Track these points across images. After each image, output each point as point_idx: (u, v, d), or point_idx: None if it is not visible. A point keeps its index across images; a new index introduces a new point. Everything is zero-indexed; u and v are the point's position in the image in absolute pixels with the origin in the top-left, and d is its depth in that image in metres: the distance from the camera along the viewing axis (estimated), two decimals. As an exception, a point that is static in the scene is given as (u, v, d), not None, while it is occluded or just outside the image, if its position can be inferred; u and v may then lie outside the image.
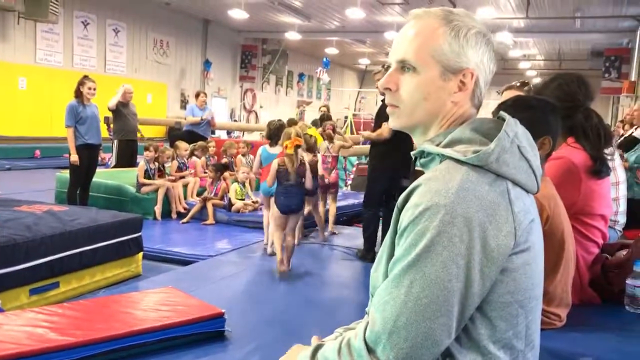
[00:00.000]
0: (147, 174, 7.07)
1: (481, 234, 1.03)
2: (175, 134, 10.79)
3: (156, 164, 7.21)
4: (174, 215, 7.07)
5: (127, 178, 7.33)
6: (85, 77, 6.70)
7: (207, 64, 18.71)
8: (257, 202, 6.93)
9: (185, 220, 6.88)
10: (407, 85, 1.18)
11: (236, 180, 7.21)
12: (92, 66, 14.74)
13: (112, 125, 8.90)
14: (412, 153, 1.25)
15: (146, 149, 7.15)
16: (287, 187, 4.98)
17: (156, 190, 6.99)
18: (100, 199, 6.99)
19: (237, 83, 21.03)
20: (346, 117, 20.64)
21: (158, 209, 6.94)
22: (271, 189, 5.33)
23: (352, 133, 17.46)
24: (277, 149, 5.49)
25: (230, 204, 6.99)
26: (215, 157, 8.51)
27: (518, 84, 3.34)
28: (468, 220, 1.03)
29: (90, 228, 4.27)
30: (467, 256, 1.02)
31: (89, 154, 6.56)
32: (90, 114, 6.56)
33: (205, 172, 7.62)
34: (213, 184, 7.27)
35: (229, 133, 17.27)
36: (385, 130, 5.10)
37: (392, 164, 5.00)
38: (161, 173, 7.29)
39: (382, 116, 5.04)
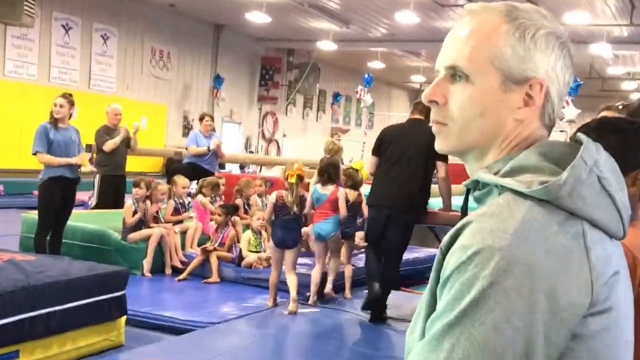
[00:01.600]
0: (138, 223, 7.20)
1: (547, 287, 1.02)
2: (174, 167, 10.98)
3: (147, 203, 7.35)
4: (168, 271, 7.15)
5: (110, 222, 7.45)
6: (64, 94, 6.89)
7: (217, 80, 19.16)
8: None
9: (182, 276, 6.95)
10: (458, 98, 1.19)
11: (249, 227, 7.29)
12: (73, 81, 15.23)
13: (94, 156, 9.13)
14: (463, 184, 1.25)
15: (135, 185, 7.30)
16: (285, 221, 6.07)
17: (147, 239, 7.10)
18: (76, 248, 7.10)
19: (255, 105, 21.45)
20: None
21: (148, 262, 7.03)
22: (327, 230, 6.17)
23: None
24: (329, 188, 6.26)
25: (241, 258, 7.06)
26: (223, 197, 8.65)
27: (620, 107, 3.33)
28: (530, 268, 1.02)
29: (61, 283, 4.34)
30: (527, 316, 1.01)
31: (63, 190, 6.68)
32: (64, 139, 6.70)
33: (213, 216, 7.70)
34: (219, 230, 7.37)
35: (242, 167, 17.52)
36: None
37: (381, 194, 5.78)
38: (156, 219, 7.42)
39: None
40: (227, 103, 19.97)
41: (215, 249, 7.16)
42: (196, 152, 9.81)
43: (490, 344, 1.01)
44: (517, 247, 1.03)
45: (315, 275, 6.32)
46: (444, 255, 1.11)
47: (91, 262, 5.09)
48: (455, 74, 1.20)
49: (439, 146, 1.25)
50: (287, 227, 6.05)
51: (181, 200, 7.89)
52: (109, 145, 8.81)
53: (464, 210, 1.29)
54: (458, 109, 1.20)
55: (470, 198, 1.26)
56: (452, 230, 1.12)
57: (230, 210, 7.59)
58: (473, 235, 1.06)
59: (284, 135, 22.80)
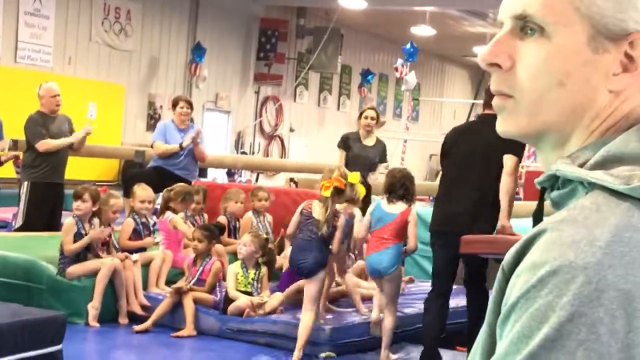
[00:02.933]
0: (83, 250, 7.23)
1: None
2: (133, 173, 11.03)
3: (95, 223, 7.39)
4: (122, 320, 7.18)
5: (42, 249, 7.44)
6: None
7: (197, 51, 19.29)
8: (280, 305, 7.06)
9: (143, 327, 6.97)
10: (529, 60, 1.21)
11: (239, 258, 7.31)
12: (-10, 51, 15.39)
13: (21, 156, 9.22)
14: (536, 182, 1.25)
15: (77, 196, 7.34)
16: (307, 240, 6.33)
17: (94, 274, 7.13)
18: (-5, 285, 7.17)
19: (251, 86, 21.55)
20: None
21: (94, 306, 7.06)
22: (386, 263, 6.40)
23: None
24: (399, 207, 6.45)
25: (227, 300, 7.08)
26: (205, 216, 8.70)
27: None
28: (628, 296, 1.04)
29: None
30: None
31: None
32: None
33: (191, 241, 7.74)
34: (198, 262, 7.42)
35: (230, 174, 17.51)
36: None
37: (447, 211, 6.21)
38: (107, 245, 7.47)
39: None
40: (211, 84, 20.06)
41: (191, 289, 7.17)
42: (164, 151, 9.88)
43: None
44: (610, 266, 1.05)
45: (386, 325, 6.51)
46: (506, 277, 1.13)
47: (14, 305, 5.13)
48: (525, 26, 1.21)
49: (502, 127, 1.27)
50: (307, 247, 6.32)
51: (143, 220, 7.93)
52: (46, 145, 8.90)
53: (537, 219, 1.31)
54: (529, 76, 1.21)
55: (547, 202, 1.27)
56: (518, 243, 1.13)
57: (214, 233, 7.63)
58: (547, 248, 1.08)
59: (292, 130, 22.87)
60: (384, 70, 26.02)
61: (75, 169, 11.48)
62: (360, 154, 9.52)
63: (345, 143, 9.72)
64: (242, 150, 20.85)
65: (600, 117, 1.20)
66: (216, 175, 17.27)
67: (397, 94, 27.10)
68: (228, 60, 20.64)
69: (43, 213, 8.87)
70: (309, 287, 6.31)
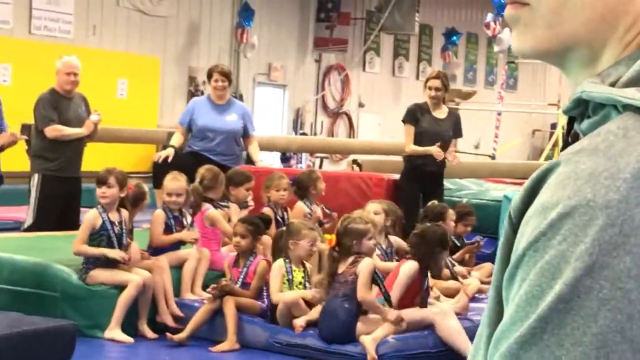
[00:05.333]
0: (104, 237, 7.32)
1: None
2: (165, 162, 11.04)
3: (123, 213, 7.48)
4: (149, 334, 7.24)
5: (56, 251, 7.53)
6: None
7: (244, 13, 19.42)
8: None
9: (178, 338, 7.03)
10: None
11: (285, 255, 7.38)
12: (2, 21, 15.63)
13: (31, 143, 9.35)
14: (562, 110, 1.23)
15: (101, 181, 7.40)
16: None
17: (121, 285, 7.22)
18: (2, 293, 7.25)
19: (310, 54, 21.66)
20: (554, 127, 20.60)
21: (117, 318, 7.12)
22: None
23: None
24: None
25: (274, 306, 7.14)
26: (250, 204, 8.82)
27: None
28: None
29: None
30: None
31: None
32: None
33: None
34: (241, 262, 7.49)
35: (285, 158, 17.68)
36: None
37: None
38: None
39: None
40: (262, 53, 20.17)
41: (232, 291, 7.21)
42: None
43: None
44: (638, 203, 1.03)
45: None
46: (514, 227, 1.11)
47: (14, 314, 5.19)
48: None
49: (518, 44, 1.25)
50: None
51: (176, 213, 7.98)
52: (55, 132, 9.01)
53: None
54: None
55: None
56: (527, 182, 1.12)
57: (259, 227, 7.67)
58: (560, 186, 1.06)
59: (361, 105, 22.95)
60: (472, 29, 25.94)
61: (103, 159, 11.57)
62: (430, 129, 9.48)
63: (413, 116, 9.68)
64: (301, 131, 20.97)
65: (637, 26, 1.18)
66: (269, 161, 17.31)
67: (489, 58, 26.97)
68: (282, 23, 20.77)
69: (55, 209, 9.00)
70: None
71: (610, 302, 1.00)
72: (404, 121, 9.85)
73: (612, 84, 1.14)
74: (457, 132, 9.84)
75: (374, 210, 8.25)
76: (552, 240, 1.03)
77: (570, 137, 1.26)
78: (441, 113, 9.73)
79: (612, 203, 1.02)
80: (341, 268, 6.95)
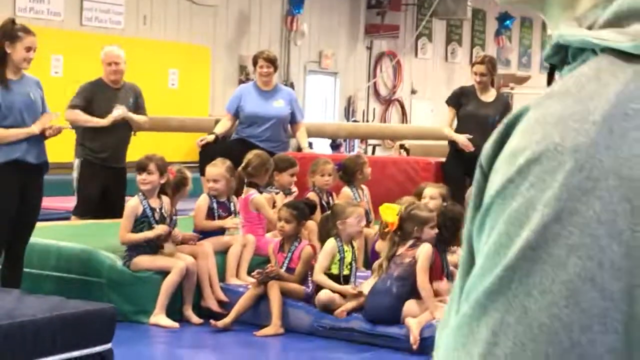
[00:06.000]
0: (145, 224, 7.40)
1: None
2: (211, 149, 11.08)
3: (164, 201, 7.55)
4: (194, 320, 7.30)
5: (101, 237, 7.66)
6: (18, 25, 7.20)
7: (294, 1, 19.43)
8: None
9: (221, 323, 7.09)
10: None
11: (336, 235, 7.39)
12: (54, 14, 15.76)
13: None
14: (543, 57, 1.20)
15: (141, 167, 7.48)
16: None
17: (163, 272, 7.32)
18: (48, 281, 7.40)
19: (361, 41, 21.60)
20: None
21: (162, 303, 7.21)
22: None
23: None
24: None
25: (318, 289, 7.19)
26: (294, 191, 8.83)
27: None
28: (630, 185, 1.00)
29: (2, 328, 4.51)
30: (626, 272, 0.99)
31: (21, 183, 6.99)
32: (18, 99, 7.01)
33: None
34: (286, 247, 7.53)
35: (335, 145, 17.68)
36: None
37: None
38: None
39: None
40: (313, 40, 20.19)
41: (279, 275, 7.25)
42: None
43: (559, 328, 0.99)
44: (608, 146, 1.00)
45: None
46: (485, 175, 1.10)
47: (55, 297, 5.24)
48: None
49: None
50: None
51: (222, 199, 8.04)
52: (72, 115, 9.17)
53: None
54: None
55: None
56: (498, 129, 1.10)
57: (304, 211, 7.70)
58: (529, 130, 1.05)
59: (413, 92, 22.86)
60: (526, 13, 25.63)
61: (153, 149, 11.59)
62: (475, 113, 9.43)
63: (457, 99, 9.65)
64: (353, 119, 20.94)
65: None
66: (319, 148, 17.31)
67: (543, 42, 26.67)
68: (332, 10, 20.73)
69: (94, 196, 9.14)
70: None
71: (580, 249, 0.98)
72: (447, 102, 9.93)
73: (590, 27, 1.11)
74: (505, 116, 9.79)
75: (430, 195, 8.28)
76: (520, 187, 1.02)
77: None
78: (488, 97, 9.68)
79: (581, 147, 1.00)
80: (399, 251, 7.05)
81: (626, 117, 1.01)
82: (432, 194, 8.28)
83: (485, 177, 1.10)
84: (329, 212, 8.02)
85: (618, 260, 0.98)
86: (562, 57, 1.15)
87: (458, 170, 9.53)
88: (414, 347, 6.57)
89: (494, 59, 10.79)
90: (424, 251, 6.92)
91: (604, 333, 0.98)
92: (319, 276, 7.21)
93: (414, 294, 6.95)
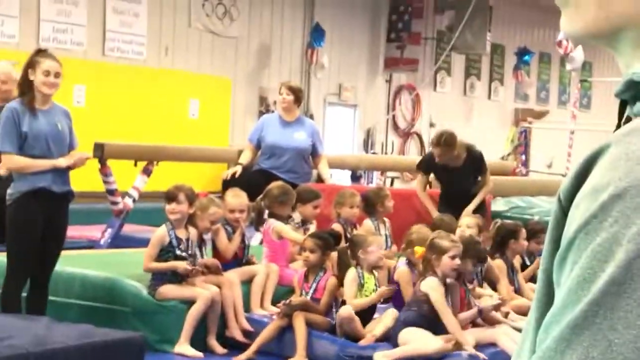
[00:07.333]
0: (170, 254, 7.41)
1: None
2: (233, 180, 11.08)
3: (191, 231, 7.57)
4: (218, 350, 7.30)
5: (125, 266, 7.70)
6: (40, 51, 7.21)
7: (315, 34, 19.41)
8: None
9: (243, 356, 7.10)
10: None
11: (356, 265, 7.44)
12: (77, 44, 15.82)
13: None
14: (614, 93, 1.22)
15: (171, 197, 7.48)
16: None
17: (190, 300, 7.32)
18: (73, 309, 7.40)
19: (380, 74, 21.58)
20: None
21: (186, 332, 7.19)
22: None
23: None
24: None
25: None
26: (314, 223, 8.79)
27: None
28: None
29: (31, 357, 4.55)
30: None
31: (46, 212, 6.99)
32: (46, 129, 7.03)
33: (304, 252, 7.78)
34: (310, 277, 7.53)
35: (356, 177, 17.64)
36: None
37: None
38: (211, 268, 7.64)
39: None
40: (333, 73, 20.16)
41: (305, 307, 7.24)
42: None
43: None
44: None
45: None
46: (564, 210, 1.11)
47: (85, 326, 5.27)
48: None
49: (568, 26, 1.25)
50: None
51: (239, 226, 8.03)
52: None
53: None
54: None
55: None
56: (577, 165, 1.11)
57: (329, 242, 7.68)
58: (611, 167, 1.05)
59: (432, 125, 22.66)
60: (544, 48, 25.62)
61: (175, 179, 11.62)
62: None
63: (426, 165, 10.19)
64: (372, 151, 20.86)
65: None
66: (339, 179, 17.30)
67: (561, 77, 26.66)
68: (352, 44, 20.69)
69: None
70: None
71: None
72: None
73: None
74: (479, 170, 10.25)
75: (467, 224, 8.31)
76: (604, 223, 1.02)
77: (624, 121, 1.28)
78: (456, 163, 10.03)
79: None
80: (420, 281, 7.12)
81: None
82: (469, 223, 8.35)
83: (564, 211, 1.11)
84: (346, 243, 8.03)
85: None
86: (634, 94, 1.16)
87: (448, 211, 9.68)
88: None
89: (449, 136, 10.48)
90: (427, 284, 7.03)
91: None
92: (351, 302, 7.21)
93: (420, 322, 6.97)
